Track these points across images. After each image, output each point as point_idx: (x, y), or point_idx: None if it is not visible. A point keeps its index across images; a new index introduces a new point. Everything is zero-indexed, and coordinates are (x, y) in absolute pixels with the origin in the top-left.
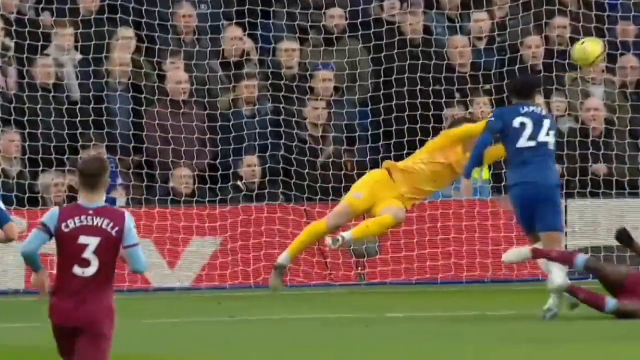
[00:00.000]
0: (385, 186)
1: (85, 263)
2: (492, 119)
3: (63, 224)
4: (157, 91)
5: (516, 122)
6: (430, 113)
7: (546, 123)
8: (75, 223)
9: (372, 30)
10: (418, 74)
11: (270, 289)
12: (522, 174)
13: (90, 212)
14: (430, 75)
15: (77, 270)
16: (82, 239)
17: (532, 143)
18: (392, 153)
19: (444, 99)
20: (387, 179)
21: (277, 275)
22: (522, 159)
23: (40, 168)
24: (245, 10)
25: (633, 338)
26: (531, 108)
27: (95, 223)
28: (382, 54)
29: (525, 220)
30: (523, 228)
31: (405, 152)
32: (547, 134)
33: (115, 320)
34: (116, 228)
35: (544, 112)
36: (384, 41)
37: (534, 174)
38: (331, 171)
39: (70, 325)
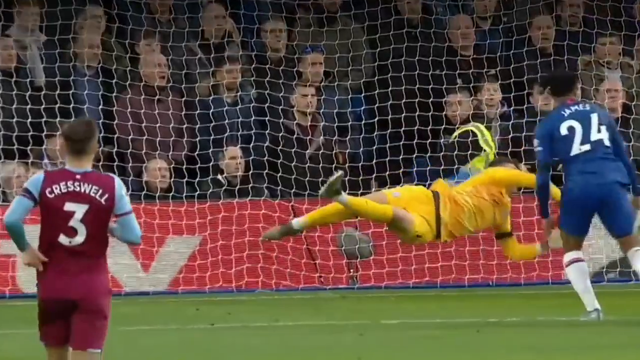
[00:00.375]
0: (423, 205)
1: (72, 232)
2: (539, 148)
3: (47, 190)
4: (129, 76)
5: (563, 129)
6: (430, 100)
7: (594, 118)
8: (60, 189)
9: (367, 9)
10: (417, 58)
11: (264, 235)
12: (581, 178)
13: (78, 177)
14: (430, 58)
15: (63, 239)
16: (68, 206)
17: (586, 147)
18: (388, 144)
19: (444, 85)
20: (430, 200)
21: (280, 230)
22: (580, 165)
23: (2, 160)
24: None
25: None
26: (574, 107)
27: (82, 189)
28: (377, 36)
29: (578, 222)
30: (572, 230)
31: (402, 143)
32: (599, 131)
33: (110, 299)
34: (105, 196)
35: (588, 107)
36: (380, 21)
37: (595, 175)
38: (321, 164)
39: (59, 298)
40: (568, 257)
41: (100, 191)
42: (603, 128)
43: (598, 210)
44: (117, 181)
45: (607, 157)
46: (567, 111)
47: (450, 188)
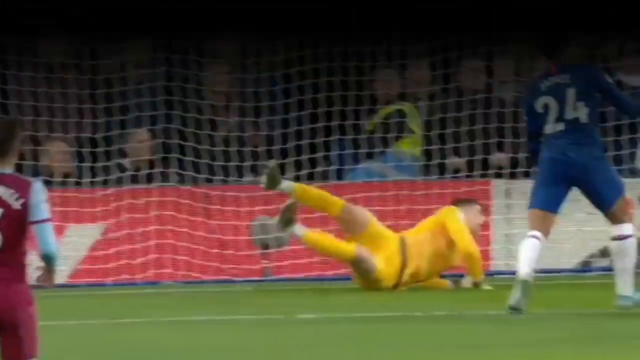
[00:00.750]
0: (392, 253)
1: None
2: (525, 118)
3: None
4: (26, 51)
5: (538, 106)
6: (355, 78)
7: (570, 94)
8: None
9: None
10: (342, 31)
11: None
12: (553, 152)
13: None
14: (352, 33)
15: None
16: None
17: (560, 126)
18: (306, 126)
19: (368, 63)
20: (398, 249)
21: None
22: (552, 140)
23: None
24: None
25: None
26: (553, 79)
27: None
28: (297, 8)
29: (543, 194)
30: (537, 202)
31: (322, 124)
32: (575, 108)
33: (33, 310)
34: (21, 200)
35: (568, 79)
36: None
37: (564, 156)
38: (233, 147)
39: None
40: (528, 234)
41: (16, 195)
42: (580, 104)
43: (577, 187)
44: (36, 185)
45: (582, 139)
46: (546, 83)
47: (416, 235)
